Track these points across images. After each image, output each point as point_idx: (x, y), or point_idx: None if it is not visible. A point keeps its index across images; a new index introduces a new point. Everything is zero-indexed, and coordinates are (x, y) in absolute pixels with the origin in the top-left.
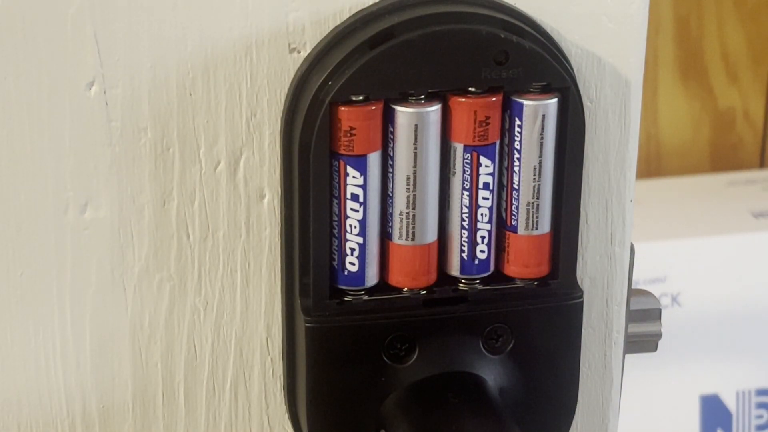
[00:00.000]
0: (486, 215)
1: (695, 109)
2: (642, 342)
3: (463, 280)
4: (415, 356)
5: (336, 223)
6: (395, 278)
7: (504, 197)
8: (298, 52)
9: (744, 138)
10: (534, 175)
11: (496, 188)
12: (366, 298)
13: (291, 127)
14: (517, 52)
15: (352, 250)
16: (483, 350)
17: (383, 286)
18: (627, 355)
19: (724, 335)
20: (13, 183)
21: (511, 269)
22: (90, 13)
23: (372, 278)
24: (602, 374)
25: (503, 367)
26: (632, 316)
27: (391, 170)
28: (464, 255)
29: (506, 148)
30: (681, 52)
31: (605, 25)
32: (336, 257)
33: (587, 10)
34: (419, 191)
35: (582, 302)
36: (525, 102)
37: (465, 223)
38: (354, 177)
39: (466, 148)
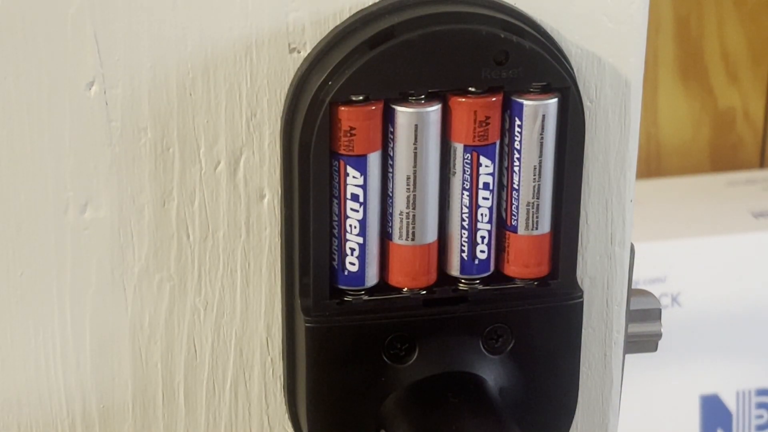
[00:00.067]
0: (486, 215)
1: (695, 109)
2: (642, 342)
3: (463, 280)
4: (415, 356)
5: (336, 223)
6: (395, 278)
7: (504, 197)
8: (298, 52)
9: (744, 138)
10: (534, 175)
11: (496, 188)
12: (366, 298)
13: (291, 127)
14: (517, 52)
15: (352, 250)
16: (483, 350)
17: (383, 286)
18: (627, 355)
19: (724, 335)
20: (13, 183)
21: (511, 269)
22: (90, 13)
23: (372, 278)
24: (602, 374)
25: (503, 367)
26: (632, 316)
27: (391, 170)
28: (464, 255)
29: (506, 148)
30: (681, 52)
31: (605, 25)
32: (336, 257)
33: (587, 10)
34: (419, 191)
35: (582, 302)
36: (525, 102)
37: (465, 223)
38: (354, 177)
39: (466, 148)
